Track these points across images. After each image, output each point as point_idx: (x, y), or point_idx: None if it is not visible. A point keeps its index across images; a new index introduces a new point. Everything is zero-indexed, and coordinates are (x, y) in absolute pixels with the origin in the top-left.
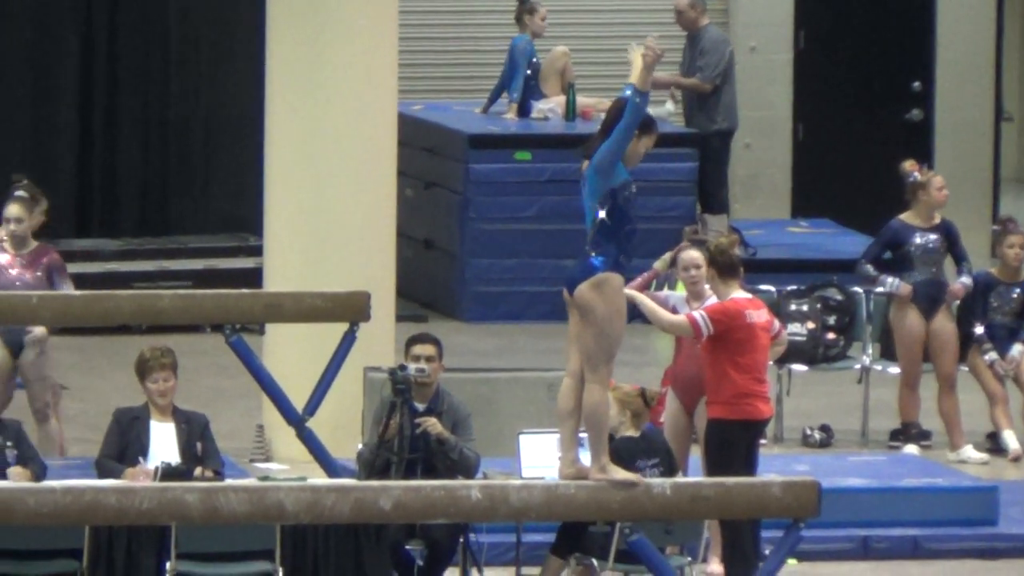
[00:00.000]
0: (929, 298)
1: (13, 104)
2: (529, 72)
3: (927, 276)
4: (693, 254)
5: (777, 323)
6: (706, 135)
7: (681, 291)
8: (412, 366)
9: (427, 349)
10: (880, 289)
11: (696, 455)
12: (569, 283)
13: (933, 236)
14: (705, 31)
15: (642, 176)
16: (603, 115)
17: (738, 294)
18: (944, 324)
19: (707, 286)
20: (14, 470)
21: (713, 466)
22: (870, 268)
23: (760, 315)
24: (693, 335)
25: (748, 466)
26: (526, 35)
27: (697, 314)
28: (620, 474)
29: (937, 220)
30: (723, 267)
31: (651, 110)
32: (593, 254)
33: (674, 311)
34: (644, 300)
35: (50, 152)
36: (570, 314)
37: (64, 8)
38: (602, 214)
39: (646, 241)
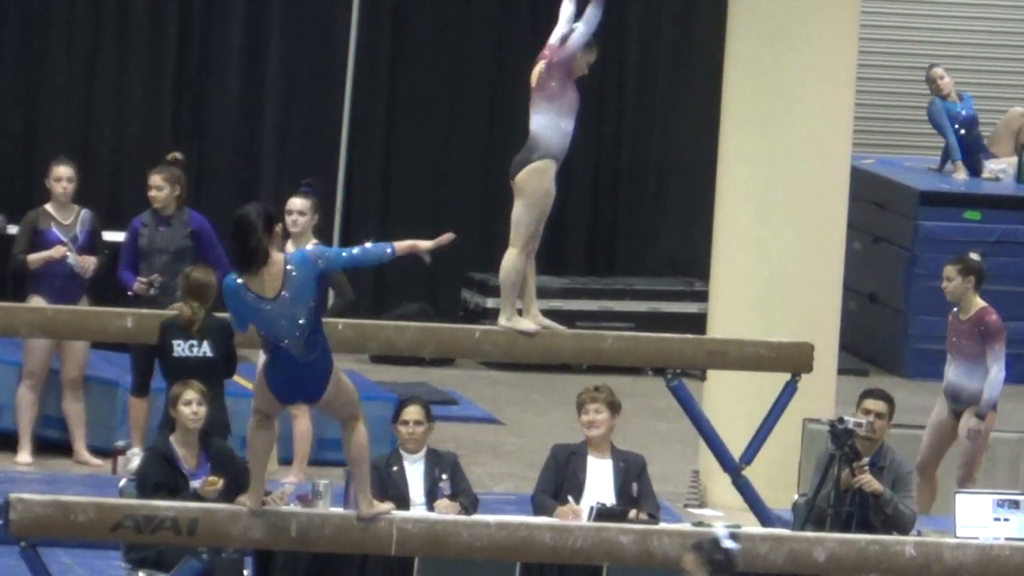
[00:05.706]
0: None
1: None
2: (962, 130)
3: None
4: None
5: None
6: None
7: None
8: (851, 419)
9: (878, 405)
10: None
11: None
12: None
13: None
14: None
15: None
16: None
17: None
18: None
19: None
20: (441, 503)
21: None
22: None
23: None
24: None
25: None
26: (935, 97)
27: None
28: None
29: None
30: None
31: None
32: None
33: None
34: None
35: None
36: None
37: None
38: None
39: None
